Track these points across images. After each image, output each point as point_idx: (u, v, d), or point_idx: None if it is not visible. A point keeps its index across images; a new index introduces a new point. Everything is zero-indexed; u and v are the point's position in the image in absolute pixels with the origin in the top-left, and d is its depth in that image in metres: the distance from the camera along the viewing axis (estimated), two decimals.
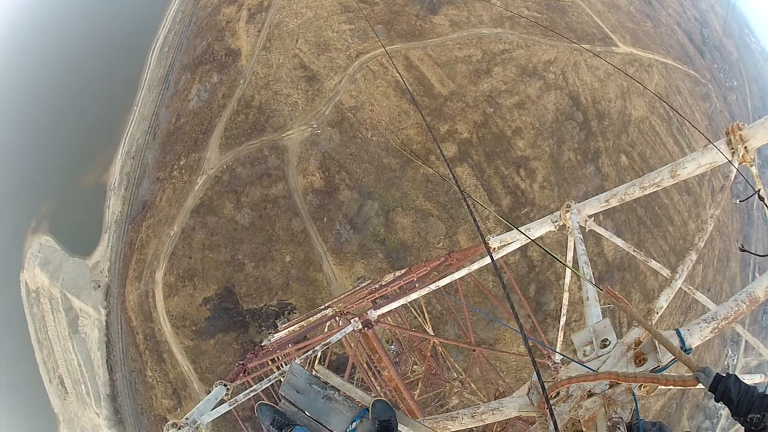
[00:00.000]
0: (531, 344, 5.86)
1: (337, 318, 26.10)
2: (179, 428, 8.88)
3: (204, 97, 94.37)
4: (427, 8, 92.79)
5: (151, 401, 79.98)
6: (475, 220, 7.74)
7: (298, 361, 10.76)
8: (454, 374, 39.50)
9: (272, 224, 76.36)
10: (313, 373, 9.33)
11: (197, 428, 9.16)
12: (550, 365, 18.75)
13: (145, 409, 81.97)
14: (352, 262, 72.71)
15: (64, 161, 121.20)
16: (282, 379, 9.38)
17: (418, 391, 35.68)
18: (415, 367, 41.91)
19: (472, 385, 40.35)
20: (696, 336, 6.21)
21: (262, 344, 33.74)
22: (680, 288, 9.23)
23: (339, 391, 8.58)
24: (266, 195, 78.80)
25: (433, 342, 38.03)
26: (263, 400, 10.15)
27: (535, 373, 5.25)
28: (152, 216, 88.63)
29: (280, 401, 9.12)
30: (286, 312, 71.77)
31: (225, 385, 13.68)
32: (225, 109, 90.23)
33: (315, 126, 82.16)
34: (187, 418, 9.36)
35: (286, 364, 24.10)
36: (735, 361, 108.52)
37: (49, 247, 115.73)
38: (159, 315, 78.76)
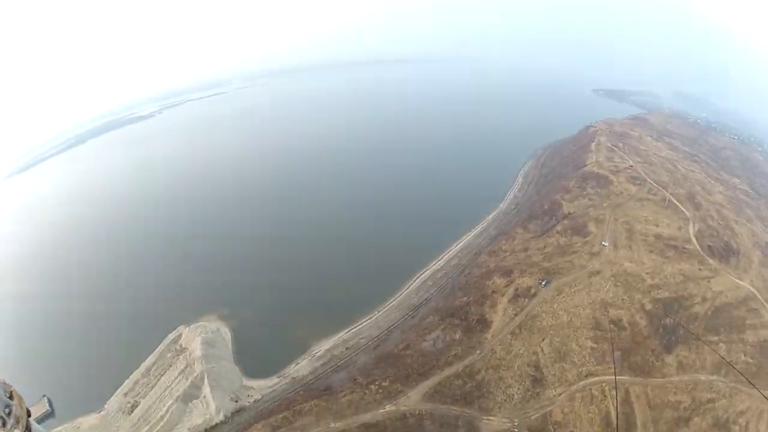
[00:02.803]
0: None
1: None
2: None
3: (439, 346, 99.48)
4: (665, 346, 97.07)
5: None
6: None
7: None
8: None
9: None
10: None
11: None
12: None
13: None
14: None
15: (296, 304, 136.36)
16: None
17: None
18: None
19: None
20: None
21: None
22: None
23: None
24: None
25: None
26: None
27: None
28: (326, 401, 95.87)
29: None
30: None
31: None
32: (450, 366, 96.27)
33: (516, 424, 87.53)
34: None
35: None
36: None
37: (223, 339, 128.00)
38: None
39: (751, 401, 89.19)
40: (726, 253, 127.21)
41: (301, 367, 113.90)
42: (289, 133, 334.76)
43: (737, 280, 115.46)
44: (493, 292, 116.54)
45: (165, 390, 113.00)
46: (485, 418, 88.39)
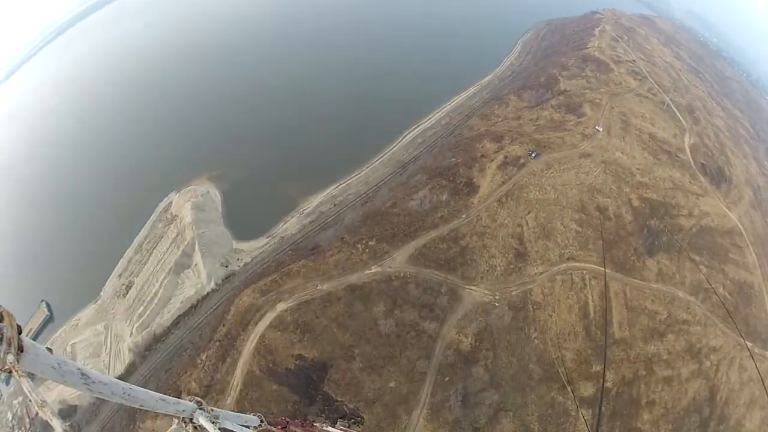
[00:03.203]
0: None
1: None
2: (201, 408, 11.12)
3: (425, 206, 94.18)
4: (648, 247, 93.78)
5: (182, 373, 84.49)
6: None
7: None
8: None
9: (402, 349, 79.75)
10: None
11: (200, 426, 10.64)
12: None
13: (170, 372, 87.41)
14: (439, 427, 75.01)
15: (285, 162, 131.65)
16: None
17: None
18: None
19: None
20: None
21: (314, 422, 38.08)
22: None
23: None
24: (416, 323, 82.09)
25: None
26: None
27: None
28: (314, 261, 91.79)
29: None
30: (352, 420, 74.19)
31: (261, 420, 14.10)
32: (436, 228, 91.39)
33: (497, 298, 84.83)
34: (212, 410, 10.93)
35: None
36: None
37: (213, 201, 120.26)
38: (253, 331, 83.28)
39: (725, 341, 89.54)
40: (718, 177, 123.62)
41: (290, 226, 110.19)
42: None
43: (726, 209, 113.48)
44: (482, 156, 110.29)
45: (157, 264, 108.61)
46: (467, 287, 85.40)
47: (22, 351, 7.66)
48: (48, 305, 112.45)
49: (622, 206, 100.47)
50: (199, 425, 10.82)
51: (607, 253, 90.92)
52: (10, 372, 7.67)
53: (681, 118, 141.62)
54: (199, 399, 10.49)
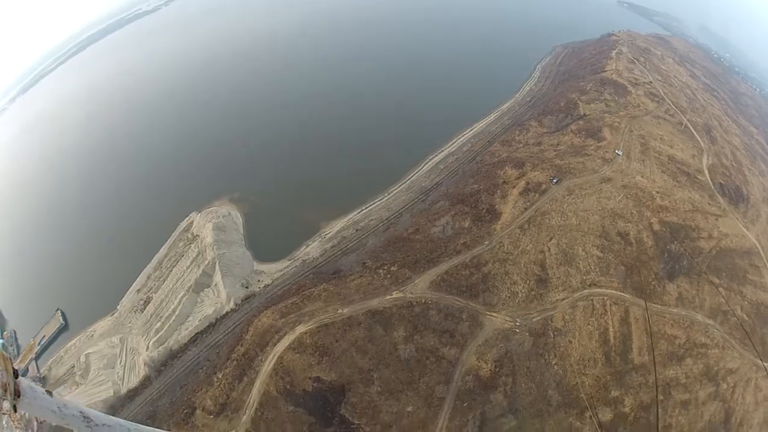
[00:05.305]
0: None
1: None
2: None
3: (448, 232, 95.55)
4: (668, 272, 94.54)
5: (198, 390, 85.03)
6: None
7: None
8: None
9: (421, 374, 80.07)
10: None
11: None
12: None
13: (186, 388, 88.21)
14: None
15: (308, 186, 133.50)
16: None
17: None
18: None
19: None
20: None
21: None
22: None
23: None
24: (436, 349, 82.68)
25: None
26: None
27: None
28: (335, 285, 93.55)
29: None
30: None
31: None
32: (458, 255, 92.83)
33: (518, 324, 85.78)
34: None
35: None
36: None
37: (234, 223, 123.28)
38: (271, 352, 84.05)
39: (742, 362, 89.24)
40: (736, 196, 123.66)
41: (311, 250, 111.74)
42: (303, 10, 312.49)
43: (744, 229, 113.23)
44: (504, 182, 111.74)
45: (177, 281, 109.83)
46: (489, 313, 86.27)
47: (19, 396, 7.25)
48: (63, 314, 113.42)
49: (642, 231, 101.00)
50: None
51: (628, 278, 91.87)
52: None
53: (699, 138, 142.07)
54: None
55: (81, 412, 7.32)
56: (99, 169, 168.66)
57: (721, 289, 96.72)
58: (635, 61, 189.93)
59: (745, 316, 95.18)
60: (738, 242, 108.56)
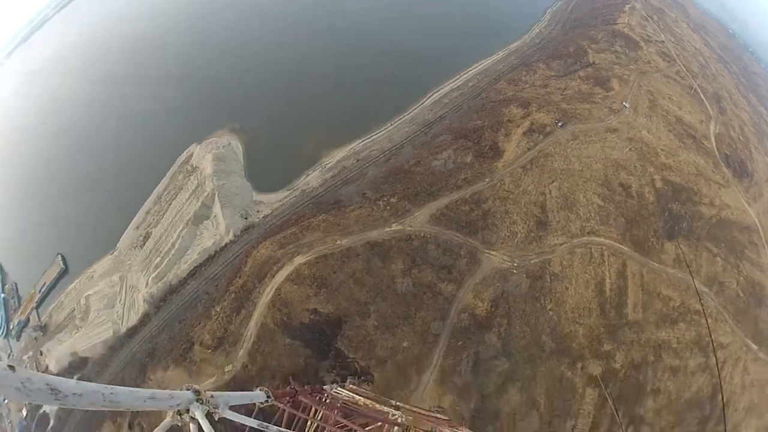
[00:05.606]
0: None
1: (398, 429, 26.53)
2: (198, 399, 8.66)
3: (449, 166, 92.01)
4: (667, 231, 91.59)
5: (196, 324, 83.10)
6: None
7: None
8: None
9: (418, 309, 77.91)
10: None
11: (194, 416, 8.63)
12: None
13: (184, 323, 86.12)
14: (447, 391, 73.84)
15: (309, 115, 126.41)
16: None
17: None
18: None
19: None
20: None
21: (323, 386, 36.93)
22: None
23: None
24: (433, 284, 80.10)
25: None
26: None
27: None
28: (334, 216, 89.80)
29: None
30: (362, 378, 72.86)
31: (267, 396, 13.22)
32: (459, 190, 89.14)
33: (515, 265, 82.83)
34: (211, 397, 9.29)
35: (320, 420, 23.36)
36: None
37: (234, 153, 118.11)
38: (269, 284, 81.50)
39: (733, 338, 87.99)
40: (740, 170, 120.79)
41: (312, 179, 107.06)
42: None
43: (746, 204, 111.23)
44: (509, 120, 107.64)
45: (176, 215, 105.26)
46: (487, 251, 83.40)
47: None
48: (63, 258, 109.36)
49: (645, 186, 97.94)
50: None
51: (627, 231, 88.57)
52: None
53: (708, 105, 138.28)
54: (196, 388, 9.16)
55: (47, 384, 6.46)
56: (96, 107, 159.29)
57: (718, 258, 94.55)
58: (648, 18, 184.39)
59: (740, 291, 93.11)
60: (738, 216, 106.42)
